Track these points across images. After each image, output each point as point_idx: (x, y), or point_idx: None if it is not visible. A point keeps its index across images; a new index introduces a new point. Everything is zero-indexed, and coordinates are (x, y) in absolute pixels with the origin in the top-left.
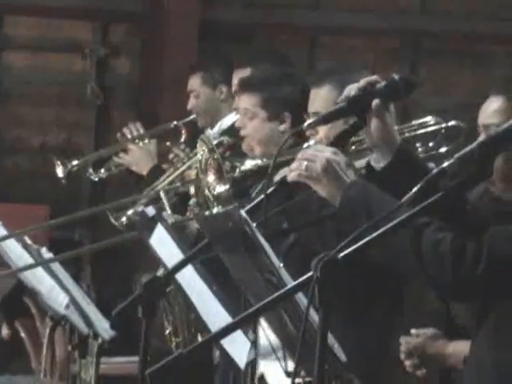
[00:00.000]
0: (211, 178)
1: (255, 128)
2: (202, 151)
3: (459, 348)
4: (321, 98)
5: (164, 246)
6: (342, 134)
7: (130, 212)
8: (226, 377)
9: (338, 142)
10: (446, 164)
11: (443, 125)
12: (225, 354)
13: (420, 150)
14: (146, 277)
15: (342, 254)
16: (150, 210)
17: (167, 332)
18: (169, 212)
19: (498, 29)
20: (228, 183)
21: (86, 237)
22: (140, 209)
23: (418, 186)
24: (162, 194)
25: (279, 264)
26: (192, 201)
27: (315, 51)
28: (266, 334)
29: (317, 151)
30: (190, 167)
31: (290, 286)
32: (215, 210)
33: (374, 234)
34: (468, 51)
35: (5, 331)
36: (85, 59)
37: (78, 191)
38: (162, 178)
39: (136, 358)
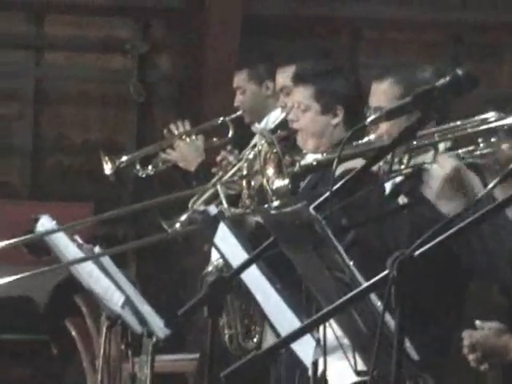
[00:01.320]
0: (270, 171)
1: (308, 121)
2: (260, 145)
3: None
4: (382, 93)
5: (227, 244)
6: (408, 129)
7: (182, 218)
8: (292, 375)
9: (404, 138)
10: None
11: (506, 121)
12: (291, 352)
13: (482, 145)
14: (212, 276)
15: (418, 252)
16: (213, 209)
17: (220, 324)
18: (226, 206)
19: None
20: (287, 178)
21: (130, 234)
22: (202, 208)
23: (494, 182)
24: (218, 187)
25: (351, 262)
26: (243, 192)
27: (358, 44)
28: (333, 329)
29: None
30: (240, 169)
31: (364, 286)
32: (274, 204)
33: (450, 232)
34: (510, 43)
35: (54, 350)
36: (126, 56)
37: (121, 189)
38: (212, 182)
39: (188, 356)
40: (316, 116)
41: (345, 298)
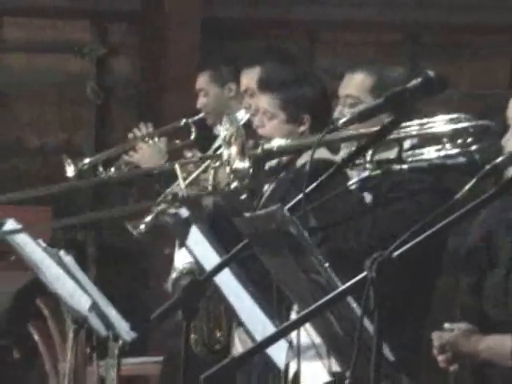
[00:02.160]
0: (234, 150)
1: (274, 128)
2: (227, 128)
3: (492, 343)
4: (355, 83)
5: (199, 247)
6: (381, 130)
7: (147, 219)
8: (265, 378)
9: (376, 139)
10: (498, 160)
11: (473, 122)
12: (264, 355)
13: (448, 146)
14: (185, 279)
15: (397, 253)
16: (184, 212)
17: None
18: (182, 186)
19: (494, 19)
20: (249, 160)
21: (89, 237)
22: (173, 211)
23: (472, 182)
24: (176, 167)
25: (327, 264)
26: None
27: (315, 47)
28: (306, 330)
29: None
30: (204, 171)
31: (341, 288)
32: (232, 185)
33: (429, 232)
34: (467, 43)
35: (16, 354)
36: (83, 59)
37: (79, 192)
38: (176, 183)
39: (152, 359)
40: (282, 124)
41: (322, 300)
